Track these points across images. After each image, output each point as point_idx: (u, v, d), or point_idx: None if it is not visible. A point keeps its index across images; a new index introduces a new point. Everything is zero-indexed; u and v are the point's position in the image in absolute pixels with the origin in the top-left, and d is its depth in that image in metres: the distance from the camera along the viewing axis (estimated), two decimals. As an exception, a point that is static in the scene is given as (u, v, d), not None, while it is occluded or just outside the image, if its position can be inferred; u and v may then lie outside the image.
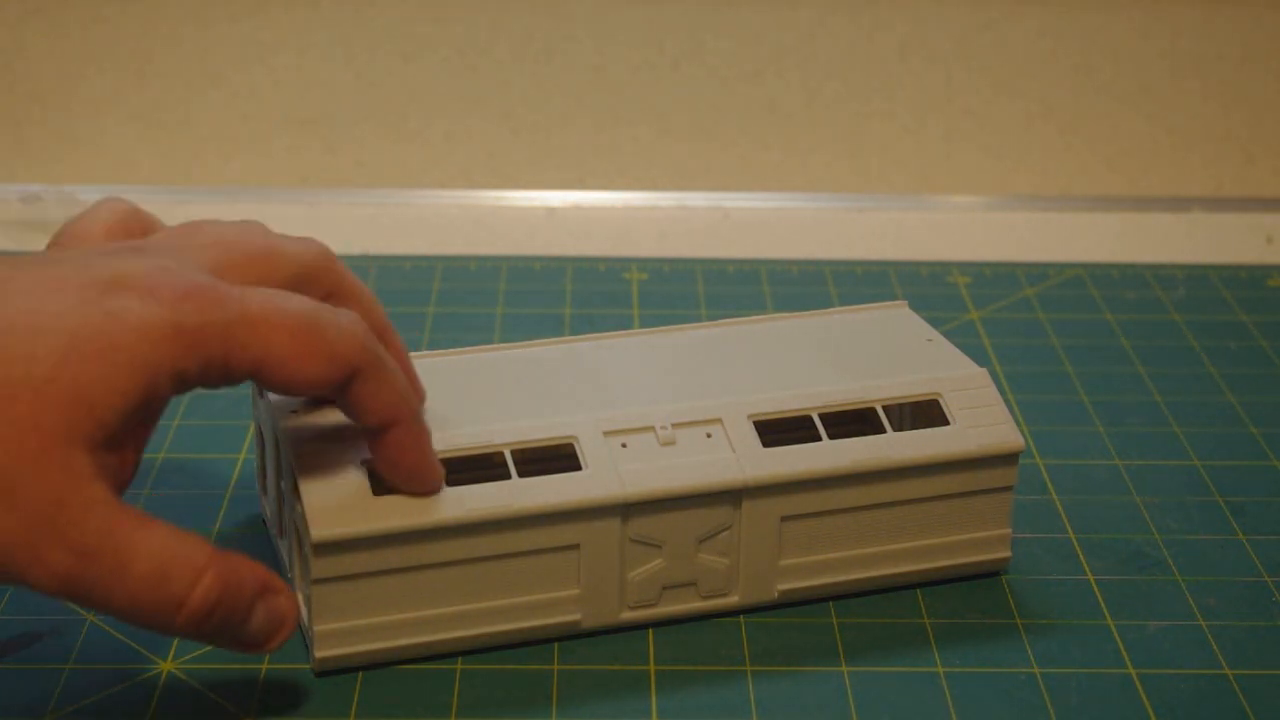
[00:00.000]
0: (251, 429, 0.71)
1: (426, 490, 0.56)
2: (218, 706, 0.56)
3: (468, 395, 0.61)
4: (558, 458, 0.60)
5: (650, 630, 0.61)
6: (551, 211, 1.00)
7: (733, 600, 0.61)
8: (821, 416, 0.61)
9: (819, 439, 0.61)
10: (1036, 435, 0.74)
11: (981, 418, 0.62)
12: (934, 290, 0.88)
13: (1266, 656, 0.60)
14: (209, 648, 0.59)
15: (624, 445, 0.59)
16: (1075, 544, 0.66)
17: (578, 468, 0.59)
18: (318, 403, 0.60)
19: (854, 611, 0.62)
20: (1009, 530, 0.63)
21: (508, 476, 0.58)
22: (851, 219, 0.99)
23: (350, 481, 0.57)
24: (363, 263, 0.90)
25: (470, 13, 1.05)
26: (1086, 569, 0.65)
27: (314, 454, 0.57)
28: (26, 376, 0.48)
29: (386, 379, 0.54)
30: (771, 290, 0.88)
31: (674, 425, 0.60)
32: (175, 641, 0.59)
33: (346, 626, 0.57)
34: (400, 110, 1.07)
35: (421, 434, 0.56)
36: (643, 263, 0.91)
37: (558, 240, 0.95)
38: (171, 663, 0.58)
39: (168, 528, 0.50)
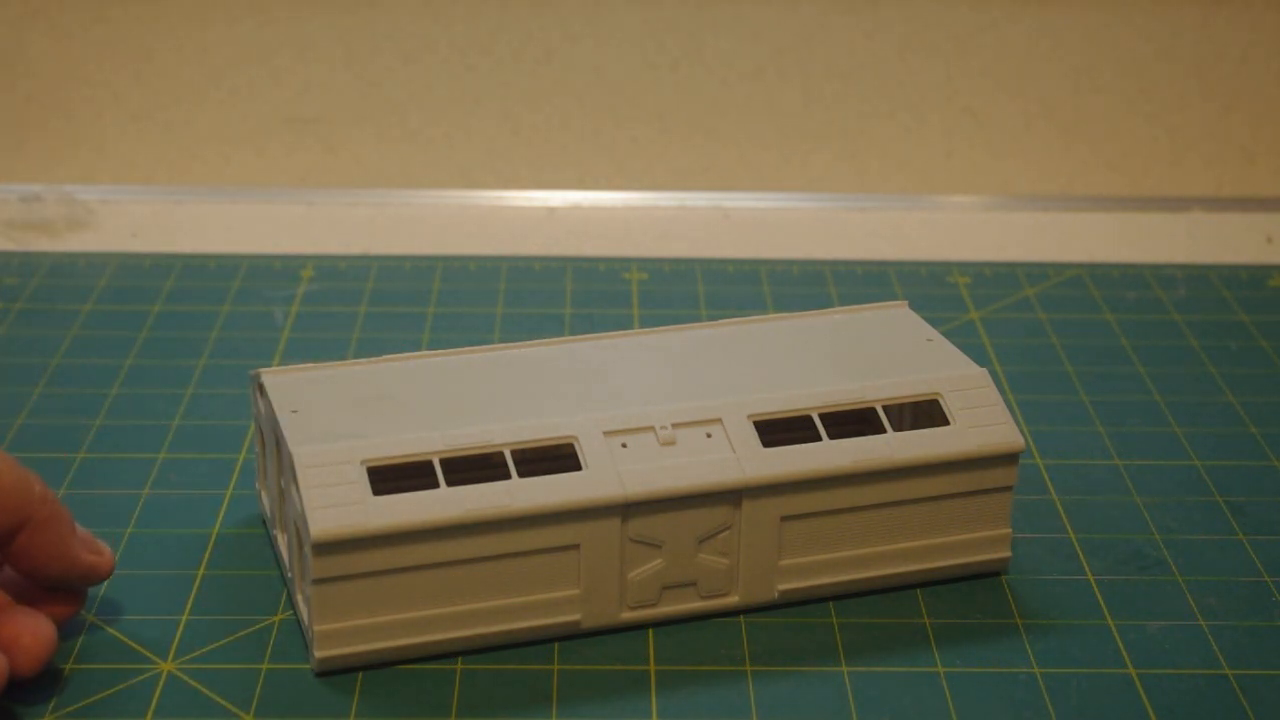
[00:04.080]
0: (251, 429, 0.71)
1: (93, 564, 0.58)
2: (218, 706, 0.56)
3: (468, 395, 0.61)
4: (558, 458, 0.60)
5: (650, 630, 0.61)
6: (551, 211, 1.00)
7: (733, 600, 0.61)
8: (821, 416, 0.61)
9: (819, 439, 0.61)
10: (1036, 435, 0.74)
11: (981, 418, 0.62)
12: (934, 290, 0.88)
13: (1266, 656, 0.60)
14: (209, 647, 0.59)
15: (624, 445, 0.59)
16: (1075, 544, 0.66)
17: (578, 468, 0.59)
18: (318, 403, 0.60)
19: (854, 611, 0.62)
20: (1009, 530, 0.63)
21: (508, 476, 0.58)
22: (851, 219, 0.99)
23: (350, 481, 0.57)
24: (363, 263, 0.90)
25: (470, 13, 1.05)
26: (1086, 569, 0.65)
27: (314, 454, 0.57)
28: None
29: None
30: (771, 290, 0.88)
31: (674, 425, 0.60)
32: (175, 641, 0.59)
33: (346, 626, 0.57)
34: (400, 110, 1.07)
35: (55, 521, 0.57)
36: (643, 263, 0.91)
37: (558, 240, 0.95)
38: (171, 663, 0.58)
39: None
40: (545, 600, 0.59)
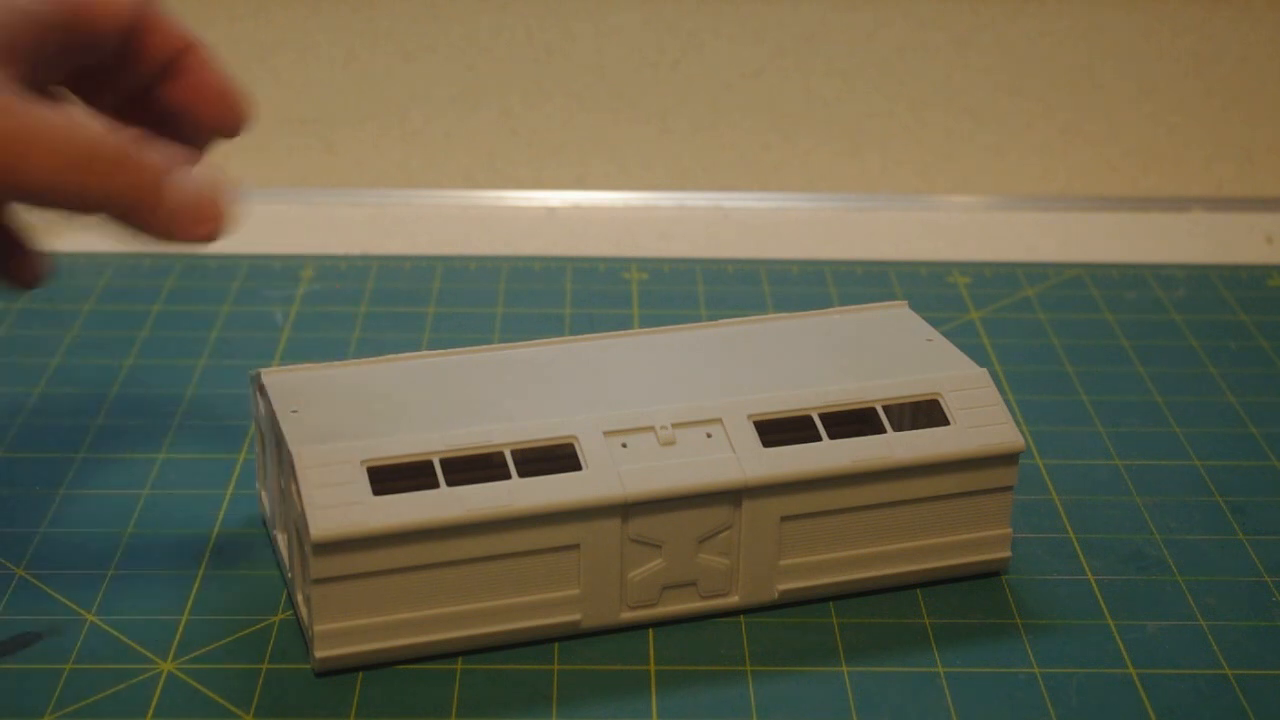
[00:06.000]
0: (251, 429, 0.71)
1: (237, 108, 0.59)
2: (218, 706, 0.56)
3: (468, 395, 0.61)
4: (558, 458, 0.60)
5: (650, 630, 0.61)
6: (551, 211, 1.00)
7: (733, 600, 0.61)
8: (821, 416, 0.61)
9: (819, 439, 0.61)
10: (1036, 435, 0.74)
11: (981, 418, 0.62)
12: (934, 290, 0.88)
13: (1266, 656, 0.60)
14: (209, 647, 0.59)
15: (624, 445, 0.59)
16: (1075, 544, 0.66)
17: (578, 468, 0.59)
18: (318, 403, 0.60)
19: (854, 611, 0.62)
20: (1009, 530, 0.63)
21: (508, 476, 0.58)
22: (851, 219, 0.99)
23: (350, 481, 0.57)
24: (363, 263, 0.90)
25: (470, 13, 1.05)
26: (1086, 569, 0.65)
27: (314, 454, 0.57)
28: None
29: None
30: (771, 290, 0.88)
31: (674, 425, 0.60)
32: (175, 641, 0.59)
33: (346, 626, 0.57)
34: (400, 110, 1.07)
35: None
36: (643, 263, 0.91)
37: (558, 240, 0.95)
38: (171, 663, 0.58)
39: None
40: (545, 600, 0.59)
